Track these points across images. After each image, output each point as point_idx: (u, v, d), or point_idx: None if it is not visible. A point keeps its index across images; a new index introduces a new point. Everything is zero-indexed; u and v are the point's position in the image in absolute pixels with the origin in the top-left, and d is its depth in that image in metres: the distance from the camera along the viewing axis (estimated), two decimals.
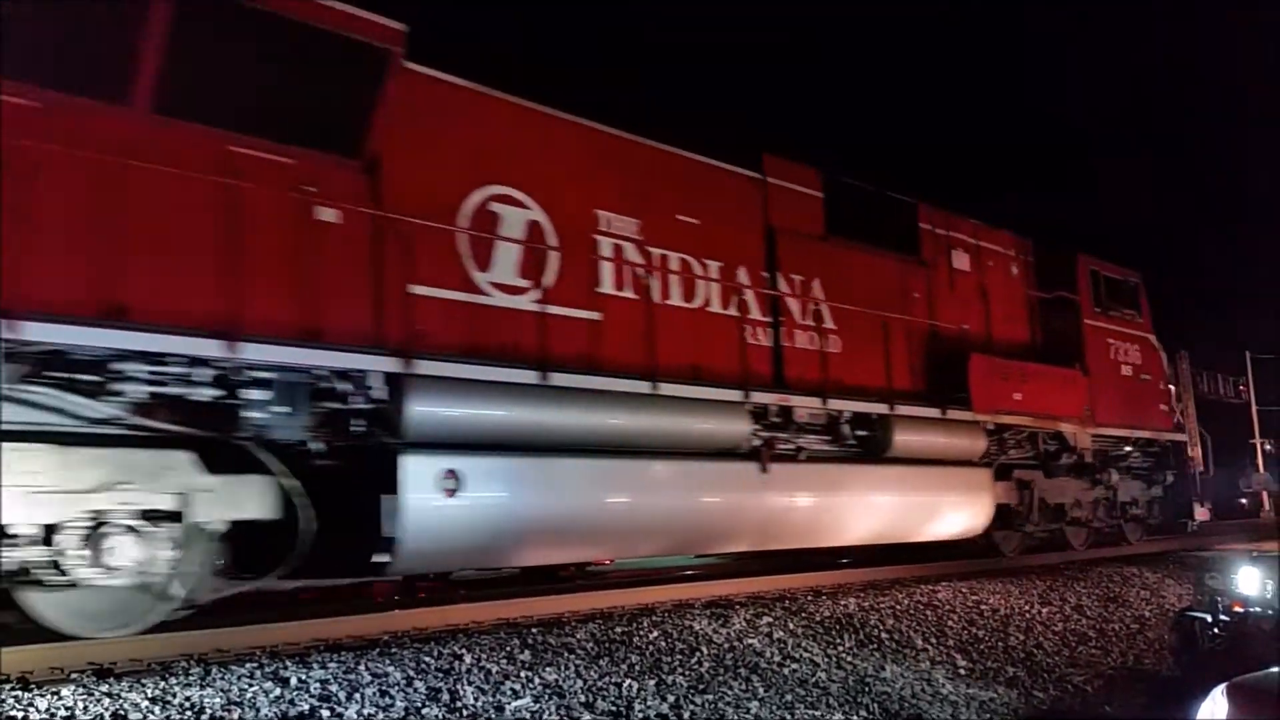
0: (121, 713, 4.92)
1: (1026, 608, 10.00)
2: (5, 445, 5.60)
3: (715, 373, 9.10)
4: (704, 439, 8.85)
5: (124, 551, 6.06)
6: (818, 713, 6.51)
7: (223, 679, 5.51)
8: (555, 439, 7.79)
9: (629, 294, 8.77)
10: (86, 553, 5.91)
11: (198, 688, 5.33)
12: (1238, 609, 7.20)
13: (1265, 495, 27.32)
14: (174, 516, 6.30)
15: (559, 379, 7.76)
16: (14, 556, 5.70)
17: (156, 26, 6.26)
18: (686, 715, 5.99)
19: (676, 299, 9.12)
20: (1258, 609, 7.08)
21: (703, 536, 9.39)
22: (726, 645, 7.40)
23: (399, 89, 7.39)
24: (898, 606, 9.21)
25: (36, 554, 5.80)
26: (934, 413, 10.87)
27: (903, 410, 10.53)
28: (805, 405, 9.74)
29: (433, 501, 6.98)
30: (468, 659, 6.27)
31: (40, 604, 5.96)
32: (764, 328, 9.81)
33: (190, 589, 6.42)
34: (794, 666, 7.28)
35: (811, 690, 6.88)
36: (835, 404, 9.96)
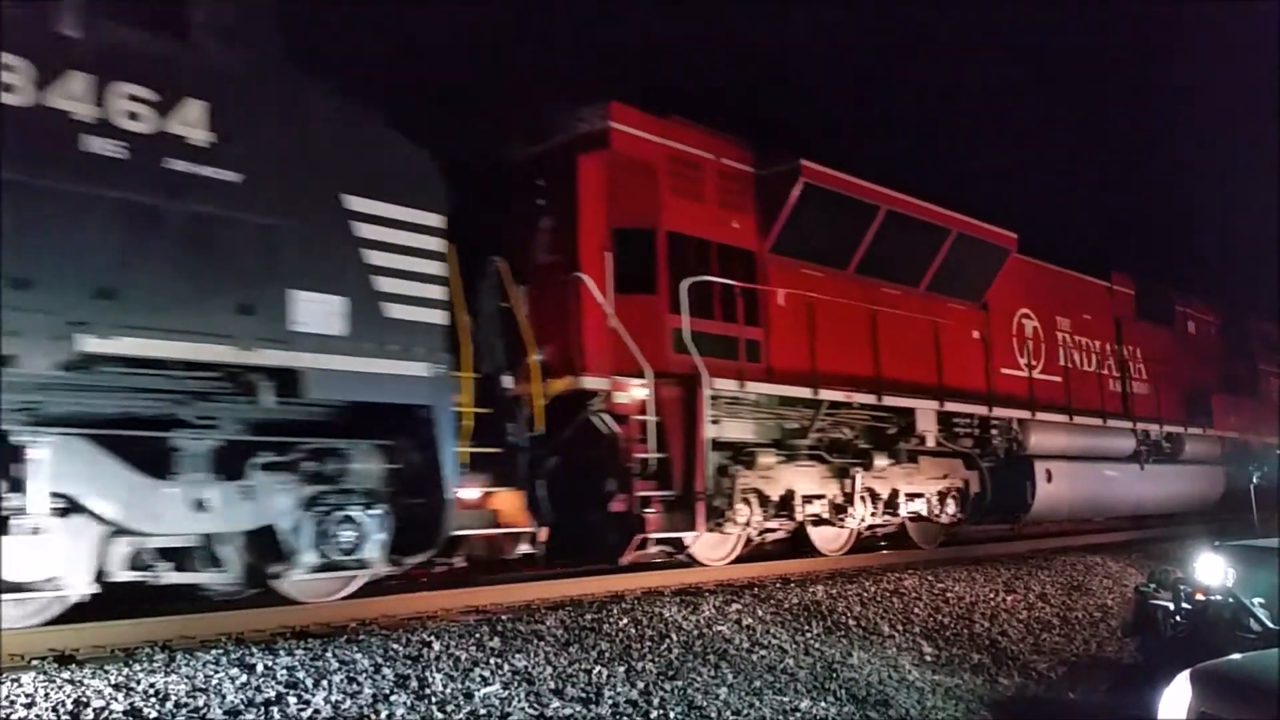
0: (84, 699, 4.84)
1: (991, 595, 10.11)
2: (929, 459, 12.08)
3: (1108, 411, 15.33)
4: (1117, 450, 15.35)
5: (949, 510, 12.28)
6: (786, 698, 6.54)
7: (187, 665, 5.44)
8: (1073, 451, 14.25)
9: (1067, 365, 14.86)
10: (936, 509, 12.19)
11: (162, 674, 5.27)
12: (1200, 597, 7.30)
13: None
14: (960, 491, 12.51)
15: (1078, 421, 14.52)
16: (914, 508, 11.79)
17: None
18: (656, 701, 6.00)
19: (1087, 366, 15.37)
20: (1218, 597, 7.18)
21: (1120, 506, 15.84)
22: (696, 632, 7.41)
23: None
24: (865, 594, 9.27)
25: (921, 509, 11.91)
26: (1200, 431, 17.52)
27: (1190, 430, 17.22)
28: (1153, 429, 16.18)
29: (1043, 484, 13.31)
30: (436, 646, 6.24)
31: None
32: (1118, 381, 16.07)
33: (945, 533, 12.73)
34: (762, 653, 7.31)
35: (780, 676, 6.92)
36: (1167, 428, 16.61)
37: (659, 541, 9.25)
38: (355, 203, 6.85)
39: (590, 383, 8.83)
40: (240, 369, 6.33)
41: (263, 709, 5.05)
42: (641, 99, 9.81)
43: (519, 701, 5.64)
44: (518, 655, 6.30)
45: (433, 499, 7.15)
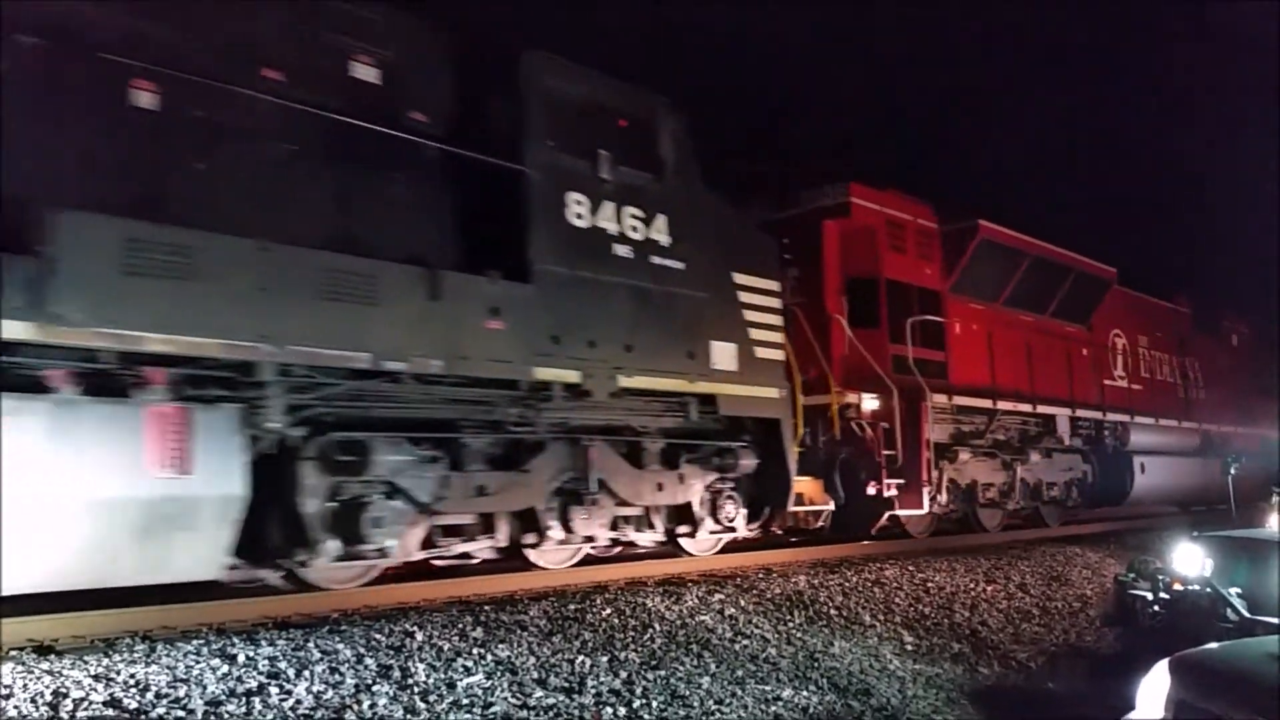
0: (63, 690, 4.81)
1: (971, 585, 10.17)
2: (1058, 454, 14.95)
3: (1179, 414, 18.51)
4: (1187, 447, 18.23)
5: (1074, 495, 15.40)
6: (768, 688, 6.56)
7: (168, 656, 5.41)
8: (1151, 448, 16.82)
9: (1147, 375, 17.87)
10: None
11: (142, 665, 5.24)
12: (1178, 587, 7.37)
13: None
14: (1079, 480, 15.53)
15: (1162, 423, 17.63)
16: (1052, 494, 15.00)
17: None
18: (639, 691, 6.01)
19: (1161, 376, 18.40)
20: (1196, 587, 7.25)
21: (1190, 493, 18.09)
22: (679, 622, 7.42)
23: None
24: (846, 584, 9.30)
25: (1057, 494, 15.12)
26: (1246, 430, 20.57)
27: (1238, 429, 20.32)
28: (1211, 428, 19.32)
29: (1139, 475, 16.09)
30: (419, 636, 6.23)
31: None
32: (1181, 389, 19.07)
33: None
34: (745, 642, 7.33)
35: (762, 666, 6.94)
36: (1224, 427, 19.85)
37: (892, 517, 12.14)
38: (738, 277, 9.64)
39: (852, 397, 11.59)
40: (685, 395, 9.08)
41: (244, 699, 5.03)
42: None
43: (502, 691, 5.64)
44: (501, 645, 6.29)
45: (780, 484, 9.99)
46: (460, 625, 6.55)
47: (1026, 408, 14.13)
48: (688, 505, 9.42)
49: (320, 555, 6.89)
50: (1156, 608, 7.49)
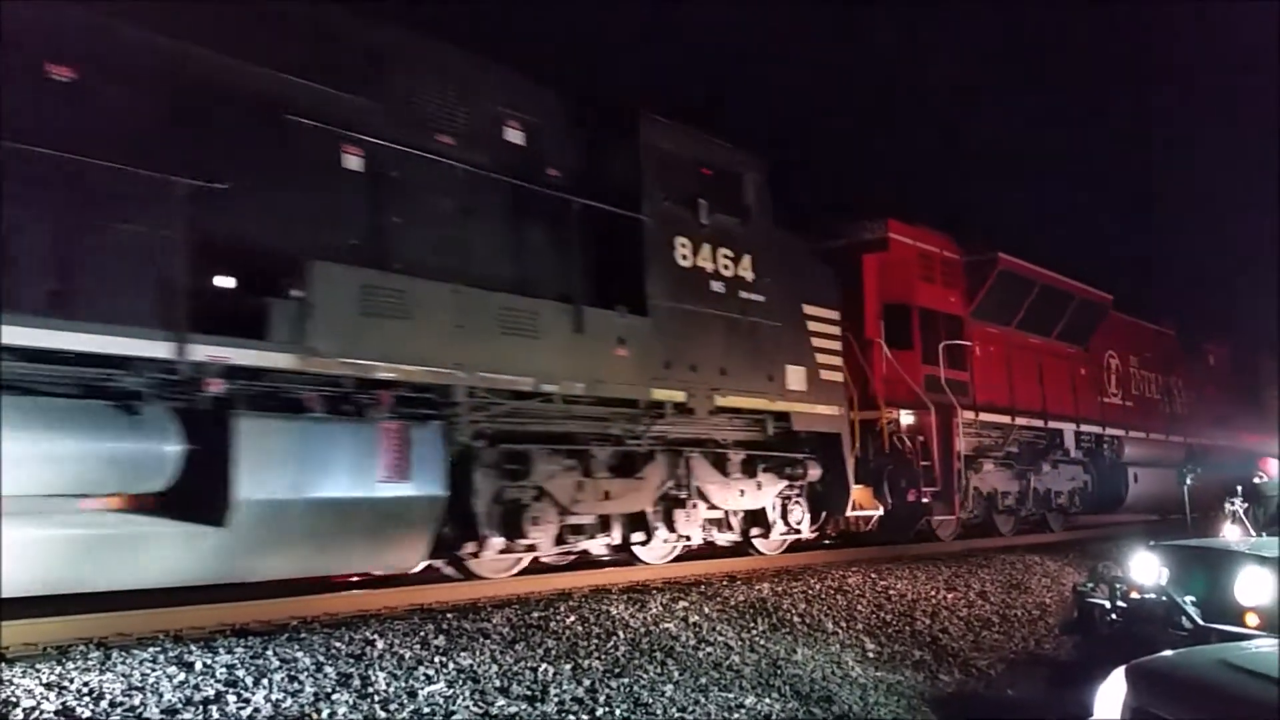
0: (13, 699, 4.71)
1: (932, 593, 10.24)
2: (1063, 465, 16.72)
3: (1166, 428, 20.11)
4: (1173, 459, 18.50)
5: (1076, 503, 17.26)
6: (731, 695, 6.56)
7: (123, 663, 5.32)
8: (1143, 459, 18.28)
9: (1138, 393, 19.53)
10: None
11: (96, 672, 5.14)
12: (1134, 595, 7.45)
13: None
14: (1080, 489, 17.32)
15: (1152, 437, 19.27)
16: (1059, 502, 16.79)
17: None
18: (602, 699, 5.98)
19: (1150, 393, 20.10)
20: (1152, 595, 7.33)
21: (1171, 502, 16.60)
22: (643, 629, 7.41)
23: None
24: (809, 591, 9.34)
25: (1063, 502, 16.80)
26: (1224, 444, 21.73)
27: (1217, 442, 21.53)
28: (1193, 441, 20.72)
29: (1133, 483, 17.53)
30: (380, 644, 6.17)
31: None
32: (1168, 406, 20.76)
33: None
34: (709, 650, 7.33)
35: (725, 673, 6.94)
36: (1204, 440, 21.23)
37: (926, 521, 13.48)
38: (806, 307, 10.97)
39: (894, 414, 12.78)
40: (764, 412, 10.31)
41: (201, 708, 4.95)
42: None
43: (464, 700, 5.59)
44: (463, 653, 6.25)
45: (839, 491, 11.31)
46: (422, 633, 6.49)
47: (1039, 423, 15.75)
48: (761, 509, 10.66)
49: (488, 549, 8.06)
50: (1114, 616, 7.56)
